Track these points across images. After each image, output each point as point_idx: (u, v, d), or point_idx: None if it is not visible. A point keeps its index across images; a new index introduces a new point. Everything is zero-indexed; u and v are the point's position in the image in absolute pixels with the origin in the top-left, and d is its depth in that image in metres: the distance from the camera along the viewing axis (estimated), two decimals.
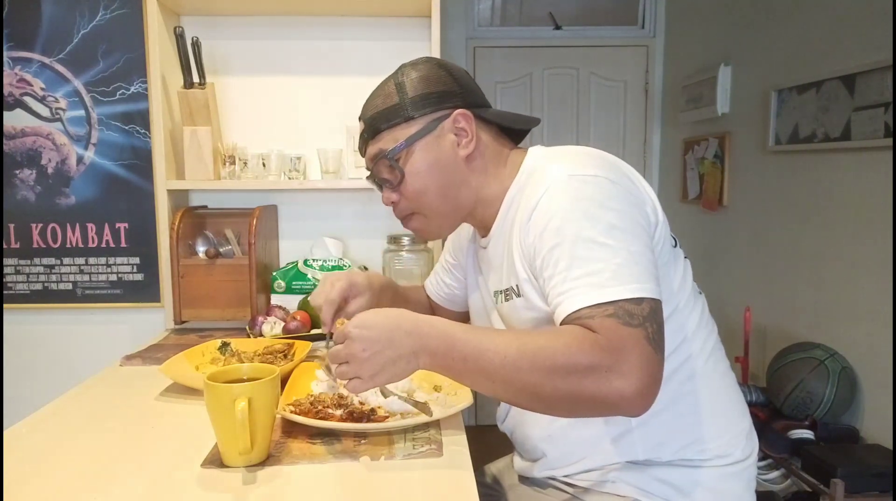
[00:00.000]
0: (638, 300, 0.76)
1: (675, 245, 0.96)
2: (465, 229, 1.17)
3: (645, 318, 0.75)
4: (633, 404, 0.73)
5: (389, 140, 0.96)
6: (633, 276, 0.77)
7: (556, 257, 0.81)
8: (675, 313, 0.92)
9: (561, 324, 0.79)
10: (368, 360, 0.81)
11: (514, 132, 1.05)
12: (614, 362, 0.72)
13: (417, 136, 0.95)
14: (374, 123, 0.97)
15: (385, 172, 0.98)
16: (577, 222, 0.80)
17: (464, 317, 1.29)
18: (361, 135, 1.01)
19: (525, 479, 1.09)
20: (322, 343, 1.45)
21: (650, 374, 0.73)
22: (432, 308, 1.30)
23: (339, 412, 0.98)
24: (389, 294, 1.22)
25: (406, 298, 1.28)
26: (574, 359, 0.73)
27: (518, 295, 0.92)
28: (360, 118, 1.01)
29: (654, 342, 0.75)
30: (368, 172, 1.02)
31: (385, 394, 1.01)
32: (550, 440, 0.98)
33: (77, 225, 1.83)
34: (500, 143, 1.01)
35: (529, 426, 1.01)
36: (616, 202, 0.83)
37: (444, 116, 0.95)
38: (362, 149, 1.02)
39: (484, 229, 1.03)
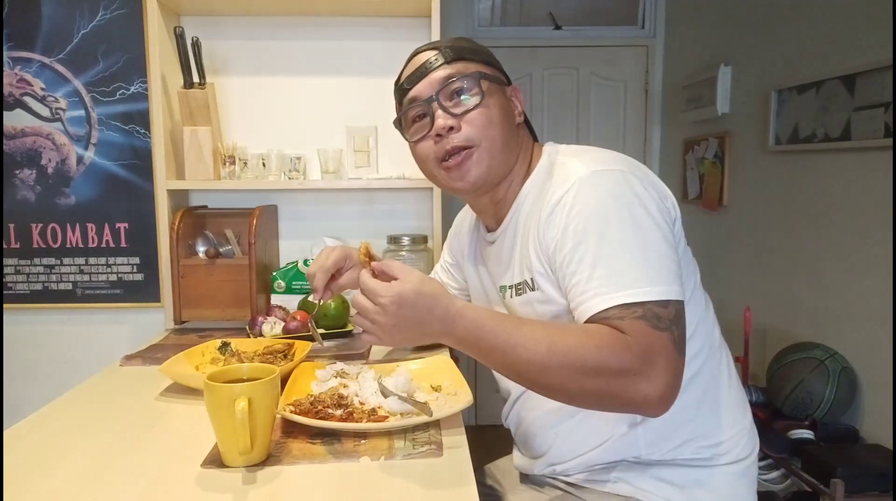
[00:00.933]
0: (665, 303, 0.76)
1: (687, 242, 0.97)
2: (465, 225, 1.17)
3: (671, 321, 0.76)
4: (655, 407, 0.75)
5: (475, 67, 0.95)
6: (660, 277, 0.77)
7: (581, 253, 0.80)
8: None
9: (587, 322, 0.79)
10: (395, 334, 0.83)
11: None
12: (642, 366, 0.73)
13: (497, 79, 0.97)
14: (458, 51, 0.96)
15: (451, 97, 0.94)
16: (604, 219, 0.80)
17: None
18: (429, 60, 0.95)
19: (525, 478, 1.09)
20: (328, 342, 1.45)
21: (675, 377, 0.75)
22: None
23: (339, 412, 0.98)
24: None
25: None
26: (605, 362, 0.73)
27: (533, 289, 0.92)
28: (422, 50, 0.98)
29: (678, 347, 0.76)
30: (432, 95, 0.94)
31: (385, 394, 1.01)
32: (555, 436, 0.98)
33: (77, 225, 1.83)
34: (527, 130, 1.05)
35: (534, 423, 1.01)
36: (642, 199, 0.83)
37: (508, 82, 1.00)
38: (424, 73, 0.95)
39: (495, 220, 1.02)
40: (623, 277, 0.77)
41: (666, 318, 0.76)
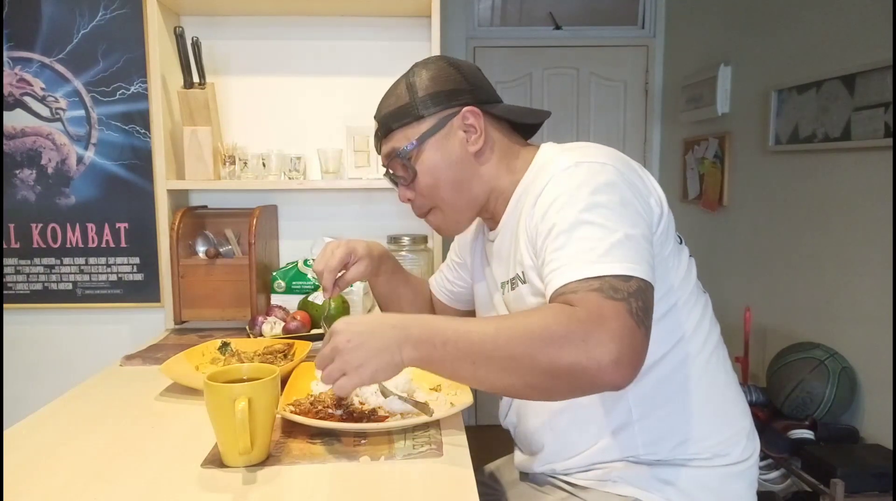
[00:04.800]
0: (626, 278, 0.75)
1: (680, 242, 0.97)
2: (472, 225, 1.16)
3: (630, 294, 0.74)
4: (611, 374, 0.71)
5: (401, 139, 0.99)
6: (626, 256, 0.77)
7: (555, 235, 0.82)
8: (674, 309, 0.92)
9: (549, 301, 0.79)
10: (352, 351, 0.79)
11: (526, 128, 1.06)
12: (590, 331, 0.71)
13: (428, 134, 0.97)
14: (387, 122, 1.00)
15: (399, 170, 1.01)
16: (579, 203, 0.81)
17: (468, 315, 1.28)
18: (376, 133, 1.04)
19: (525, 477, 1.09)
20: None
21: (629, 345, 0.72)
22: (433, 305, 1.31)
23: (339, 412, 0.98)
24: (390, 265, 1.24)
25: (406, 278, 1.29)
26: (549, 330, 0.72)
27: (523, 282, 0.93)
28: (374, 117, 1.04)
29: (636, 317, 0.74)
30: (385, 170, 1.04)
31: (385, 394, 1.01)
32: (552, 432, 0.97)
33: (77, 225, 1.83)
34: (510, 138, 1.03)
35: (531, 419, 1.00)
36: (620, 189, 0.83)
37: (454, 113, 0.98)
38: (377, 147, 1.05)
39: (493, 221, 1.04)
40: (587, 254, 0.77)
41: (624, 290, 0.74)
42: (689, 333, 0.93)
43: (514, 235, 0.96)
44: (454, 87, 0.98)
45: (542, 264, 0.84)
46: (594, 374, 0.71)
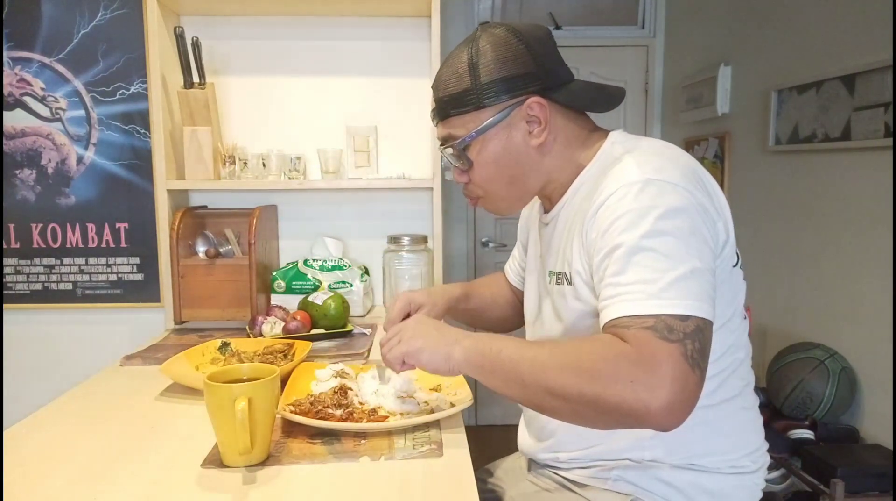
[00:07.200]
0: (683, 317, 0.73)
1: (736, 264, 0.93)
2: (537, 203, 1.12)
3: (686, 334, 0.72)
4: (660, 419, 0.70)
5: (459, 127, 0.94)
6: (688, 292, 0.74)
7: (614, 258, 0.78)
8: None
9: (603, 328, 0.78)
10: (411, 329, 0.91)
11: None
12: (640, 374, 0.70)
13: (488, 126, 0.92)
14: (445, 106, 0.94)
15: (454, 158, 0.97)
16: (644, 227, 0.77)
17: None
18: (432, 110, 0.99)
19: (526, 471, 1.08)
20: (328, 342, 1.45)
21: (681, 391, 0.70)
22: (514, 295, 1.25)
23: (339, 412, 0.98)
24: (457, 302, 1.20)
25: (481, 303, 1.25)
26: (597, 365, 0.72)
27: (569, 283, 0.91)
28: (432, 90, 0.98)
29: (691, 360, 0.71)
30: (441, 147, 0.99)
31: (382, 376, 1.03)
32: (560, 423, 0.96)
33: (77, 225, 1.83)
34: (577, 124, 0.97)
35: None
36: (689, 215, 0.79)
37: (518, 103, 0.91)
38: (433, 121, 1.00)
39: (549, 203, 1.01)
40: (647, 286, 0.74)
41: (680, 330, 0.72)
42: (717, 355, 0.90)
43: (568, 230, 0.93)
44: (520, 71, 0.90)
45: (600, 282, 0.81)
46: (641, 415, 0.70)
